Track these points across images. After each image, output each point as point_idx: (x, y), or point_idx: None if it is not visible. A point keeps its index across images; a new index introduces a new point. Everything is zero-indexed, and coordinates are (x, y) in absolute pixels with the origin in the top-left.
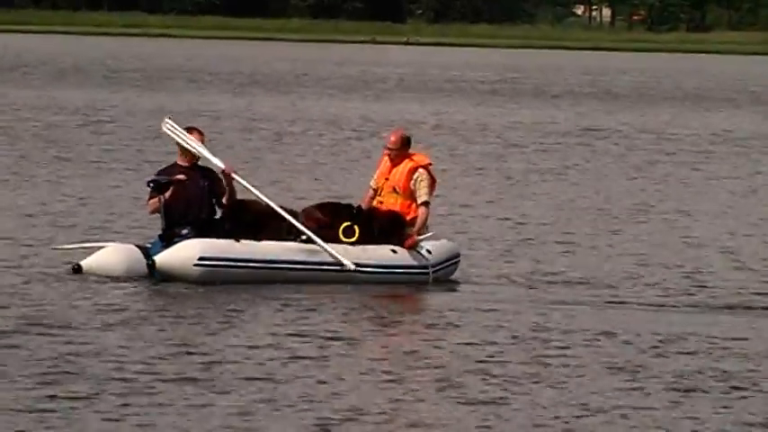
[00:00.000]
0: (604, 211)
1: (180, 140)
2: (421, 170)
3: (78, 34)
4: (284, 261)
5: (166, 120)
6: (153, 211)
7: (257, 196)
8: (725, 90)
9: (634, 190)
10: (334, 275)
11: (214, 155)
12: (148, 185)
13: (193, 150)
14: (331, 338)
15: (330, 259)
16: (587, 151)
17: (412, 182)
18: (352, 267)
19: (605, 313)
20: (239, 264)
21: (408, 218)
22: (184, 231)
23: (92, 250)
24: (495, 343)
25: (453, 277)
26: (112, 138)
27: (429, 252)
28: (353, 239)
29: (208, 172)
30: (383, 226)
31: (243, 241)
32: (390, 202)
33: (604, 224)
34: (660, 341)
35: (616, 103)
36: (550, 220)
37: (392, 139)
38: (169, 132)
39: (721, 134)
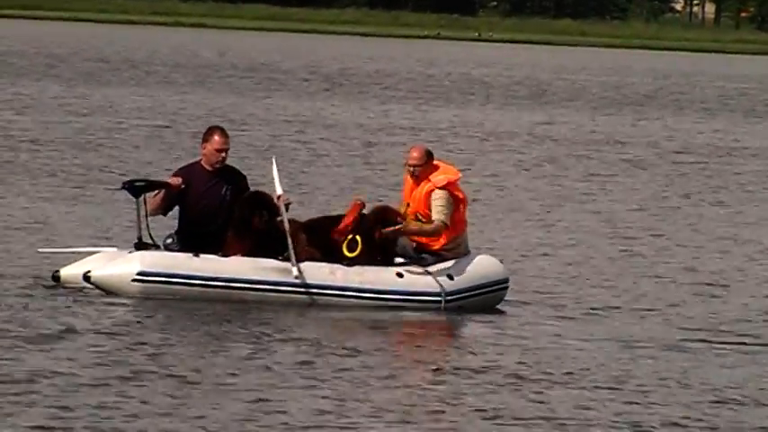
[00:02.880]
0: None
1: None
2: (437, 191)
3: (99, 22)
4: (241, 280)
5: (273, 159)
6: (152, 213)
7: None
8: None
9: None
10: (296, 297)
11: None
12: (123, 187)
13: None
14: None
15: (296, 280)
16: (731, 174)
17: (430, 206)
18: (295, 273)
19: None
20: (186, 280)
21: (435, 248)
22: (168, 241)
23: (82, 256)
24: None
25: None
26: (157, 143)
27: (450, 277)
28: (356, 253)
29: (234, 176)
30: (371, 221)
31: (202, 256)
32: None
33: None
34: None
35: (754, 118)
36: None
37: (414, 155)
38: (274, 169)
39: None
